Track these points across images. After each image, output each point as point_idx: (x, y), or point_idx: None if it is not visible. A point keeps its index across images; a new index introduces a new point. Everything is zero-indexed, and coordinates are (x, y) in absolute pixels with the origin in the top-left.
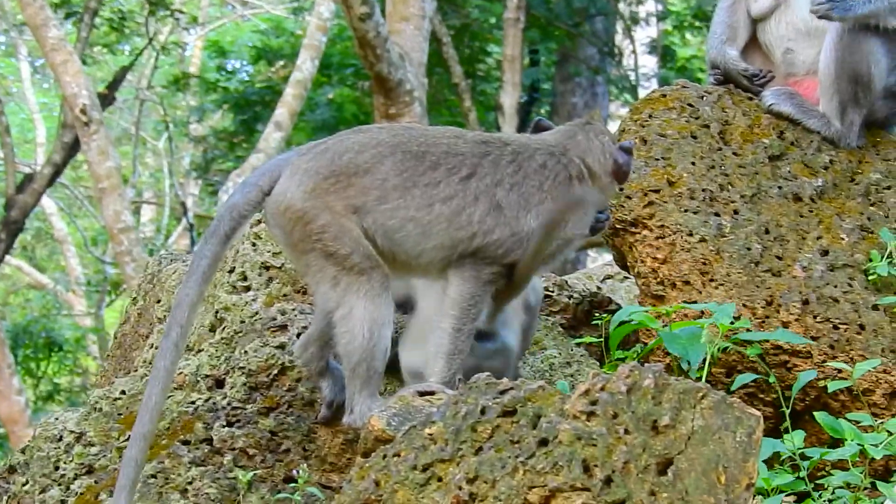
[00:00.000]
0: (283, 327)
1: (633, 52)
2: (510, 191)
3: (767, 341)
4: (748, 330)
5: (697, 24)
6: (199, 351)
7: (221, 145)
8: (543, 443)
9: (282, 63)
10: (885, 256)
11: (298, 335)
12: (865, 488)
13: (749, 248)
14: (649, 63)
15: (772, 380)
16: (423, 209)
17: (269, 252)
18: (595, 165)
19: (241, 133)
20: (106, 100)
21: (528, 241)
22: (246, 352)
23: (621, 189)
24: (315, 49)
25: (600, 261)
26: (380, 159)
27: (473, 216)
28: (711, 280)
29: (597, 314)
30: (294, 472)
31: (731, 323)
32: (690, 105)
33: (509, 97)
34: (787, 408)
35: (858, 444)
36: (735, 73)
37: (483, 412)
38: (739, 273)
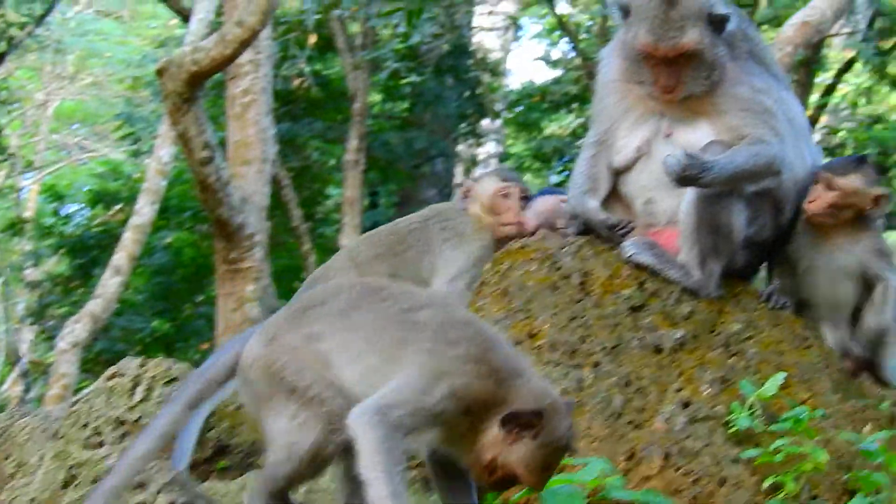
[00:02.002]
0: (142, 485)
1: None
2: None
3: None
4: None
5: (537, 165)
6: None
7: (57, 290)
8: None
9: (120, 206)
10: (746, 408)
11: (159, 492)
12: None
13: (610, 401)
14: None
15: None
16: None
17: (124, 406)
18: None
19: (77, 278)
20: None
21: None
22: None
23: None
24: (154, 193)
25: None
26: (337, 292)
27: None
28: (572, 429)
29: None
30: None
31: (599, 478)
32: (551, 256)
33: (349, 239)
34: None
35: None
36: (595, 223)
37: None
38: (601, 426)
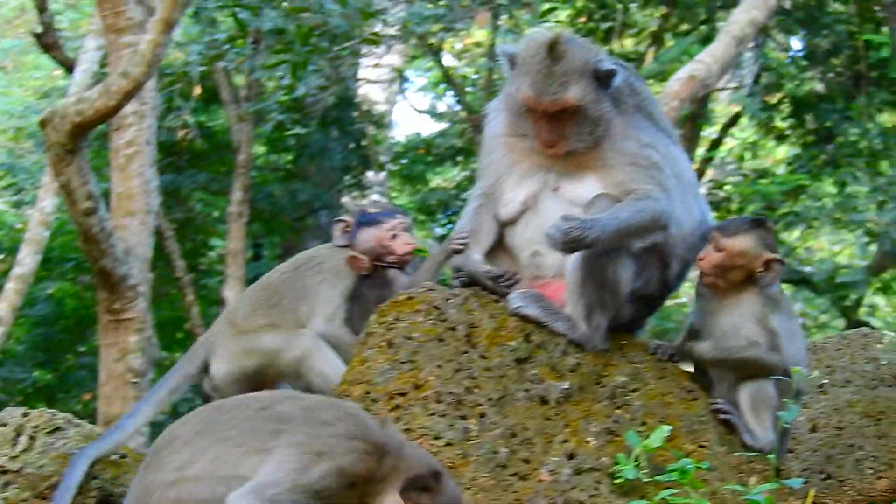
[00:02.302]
0: None
1: None
2: None
3: None
4: None
5: (422, 217)
6: None
7: None
8: None
9: (2, 257)
10: (632, 459)
11: None
12: None
13: (496, 452)
14: None
15: None
16: None
17: (5, 456)
18: None
19: None
20: None
21: None
22: None
23: None
24: (37, 243)
25: None
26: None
27: None
28: (458, 485)
29: None
30: None
31: None
32: (437, 307)
33: (232, 291)
34: None
35: None
36: (479, 275)
37: None
38: (486, 477)
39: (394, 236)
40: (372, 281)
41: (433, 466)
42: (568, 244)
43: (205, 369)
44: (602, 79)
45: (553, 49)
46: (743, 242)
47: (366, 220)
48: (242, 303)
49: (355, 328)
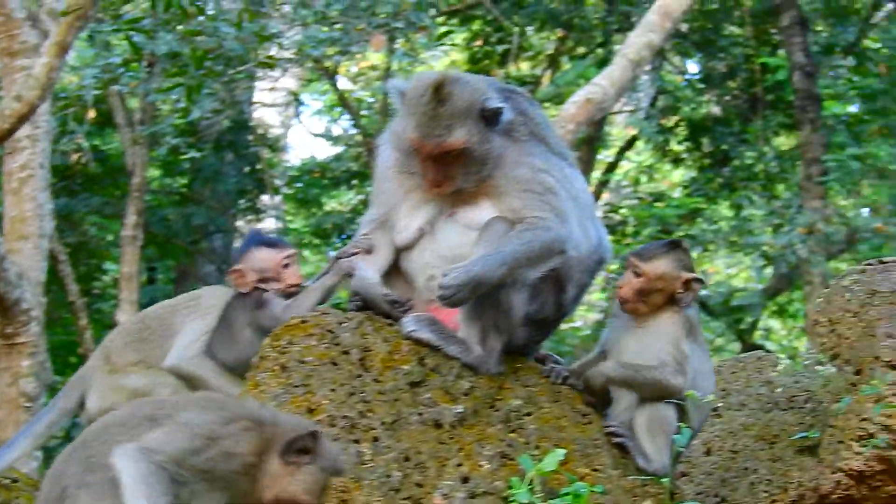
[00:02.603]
0: None
1: None
2: None
3: None
4: None
5: (317, 241)
6: None
7: None
8: None
9: None
10: (526, 483)
11: None
12: None
13: (389, 476)
14: None
15: None
16: None
17: None
18: None
19: None
20: None
21: None
22: None
23: None
24: None
25: None
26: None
27: None
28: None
29: None
30: None
31: None
32: (331, 331)
33: (126, 315)
34: None
35: None
36: (377, 298)
37: None
38: (379, 501)
39: (286, 265)
40: (245, 301)
41: (308, 427)
42: (455, 298)
43: (81, 403)
44: (489, 118)
45: (438, 91)
46: (662, 266)
47: (265, 241)
48: (118, 336)
49: (225, 354)
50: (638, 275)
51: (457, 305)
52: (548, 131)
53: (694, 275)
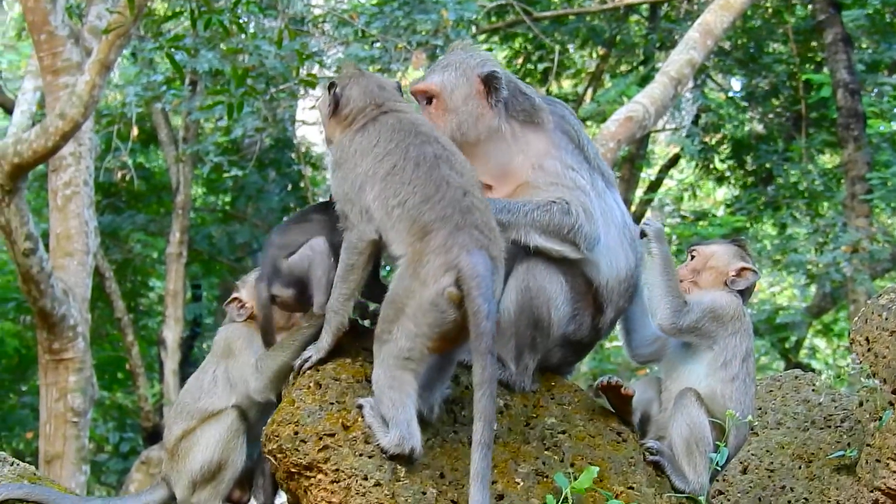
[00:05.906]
0: None
1: None
2: None
3: None
4: None
5: None
6: None
7: None
8: None
9: None
10: (561, 501)
11: None
12: None
13: (424, 493)
14: None
15: None
16: None
17: None
18: None
19: None
20: None
21: None
22: None
23: None
24: None
25: None
26: None
27: None
28: None
29: None
30: None
31: None
32: (365, 349)
33: (172, 332)
34: None
35: None
36: None
37: None
38: None
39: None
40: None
41: None
42: None
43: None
44: (486, 82)
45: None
46: (716, 248)
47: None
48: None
49: None
50: (693, 257)
51: None
52: (587, 143)
53: (748, 265)
